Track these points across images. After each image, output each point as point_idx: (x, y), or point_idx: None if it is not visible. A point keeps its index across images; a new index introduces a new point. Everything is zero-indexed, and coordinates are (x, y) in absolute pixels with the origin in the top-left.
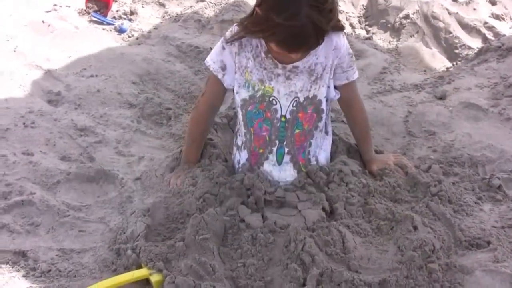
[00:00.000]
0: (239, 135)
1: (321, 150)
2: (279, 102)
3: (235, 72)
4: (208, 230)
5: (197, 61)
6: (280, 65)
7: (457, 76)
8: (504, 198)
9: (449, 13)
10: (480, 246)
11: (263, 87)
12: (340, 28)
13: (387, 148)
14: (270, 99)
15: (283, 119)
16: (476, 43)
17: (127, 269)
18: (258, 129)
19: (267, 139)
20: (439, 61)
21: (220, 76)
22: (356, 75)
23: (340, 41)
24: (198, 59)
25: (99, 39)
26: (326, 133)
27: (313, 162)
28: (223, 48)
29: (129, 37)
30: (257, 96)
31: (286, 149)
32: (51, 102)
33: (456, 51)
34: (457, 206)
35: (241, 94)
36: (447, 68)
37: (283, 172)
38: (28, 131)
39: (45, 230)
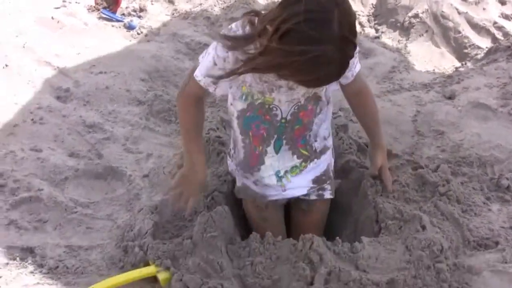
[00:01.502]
0: (234, 149)
1: (321, 127)
2: (280, 108)
3: (230, 87)
4: (216, 228)
5: None
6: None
7: (466, 75)
8: None
9: (459, 13)
10: (488, 247)
11: (263, 98)
12: None
13: (396, 147)
14: (270, 106)
15: (283, 120)
16: (485, 43)
17: (134, 266)
18: (255, 130)
19: (265, 135)
20: (448, 61)
21: (211, 89)
22: (358, 66)
23: None
24: None
25: (108, 36)
26: (327, 103)
27: (313, 143)
28: (215, 64)
29: (138, 34)
30: (256, 104)
31: (285, 141)
32: (60, 98)
33: (466, 50)
34: (466, 206)
35: (237, 106)
36: (456, 68)
37: (281, 160)
38: (37, 127)
39: (53, 227)
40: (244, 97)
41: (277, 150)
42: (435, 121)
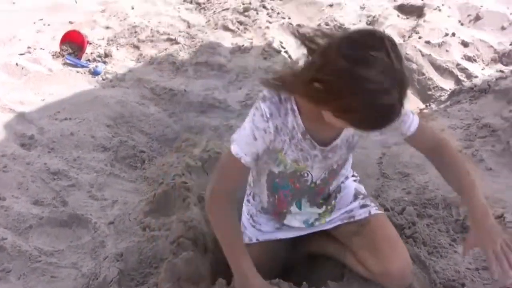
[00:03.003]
0: (256, 194)
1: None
2: (311, 174)
3: (265, 152)
4: (182, 274)
5: (172, 104)
6: (318, 147)
7: (430, 117)
8: None
9: (422, 55)
10: None
11: (296, 166)
12: None
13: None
14: (302, 173)
15: (312, 185)
16: (449, 85)
17: None
18: (282, 197)
19: (290, 199)
20: (412, 103)
21: (252, 165)
22: (413, 127)
23: None
24: (172, 101)
25: (73, 82)
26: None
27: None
28: (255, 138)
29: (103, 79)
30: (288, 172)
31: (307, 199)
32: (24, 145)
33: (429, 92)
34: (432, 248)
35: (271, 167)
36: (421, 110)
37: (305, 213)
38: (0, 175)
39: (16, 276)
40: (277, 163)
41: (299, 207)
42: (400, 163)
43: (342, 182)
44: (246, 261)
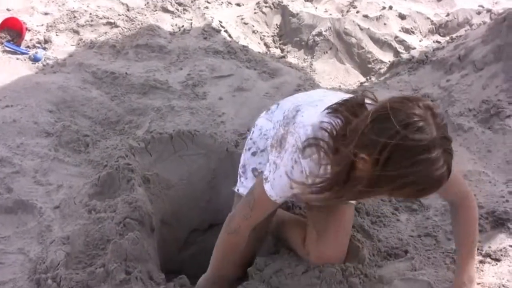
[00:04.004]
0: None
1: None
2: None
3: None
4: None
5: (113, 87)
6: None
7: (370, 90)
8: (420, 207)
9: (361, 29)
10: (398, 256)
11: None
12: None
13: None
14: None
15: None
16: (388, 57)
17: None
18: None
19: None
20: (353, 76)
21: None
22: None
23: None
24: (114, 84)
25: (13, 69)
26: None
27: None
28: (292, 187)
29: (44, 65)
30: None
31: None
32: None
33: (369, 65)
34: (375, 217)
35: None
36: (361, 83)
37: None
38: None
39: None
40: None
41: None
42: None
43: None
44: (224, 271)
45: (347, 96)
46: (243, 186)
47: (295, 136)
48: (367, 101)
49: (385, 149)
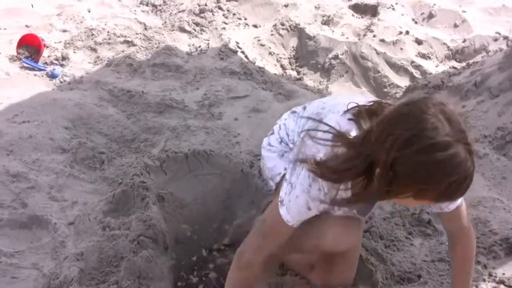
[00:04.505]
0: None
1: None
2: None
3: None
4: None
5: (130, 105)
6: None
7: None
8: (434, 232)
9: (377, 53)
10: (412, 280)
11: None
12: None
13: None
14: None
15: None
16: (404, 82)
17: None
18: None
19: None
20: None
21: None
22: (453, 206)
23: None
24: (130, 102)
25: (30, 85)
26: None
27: None
28: (309, 209)
29: (61, 82)
30: None
31: None
32: None
33: (385, 89)
34: (388, 241)
35: None
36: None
37: None
38: None
39: None
40: None
41: None
42: None
43: None
44: None
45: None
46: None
47: (313, 150)
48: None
49: (417, 168)
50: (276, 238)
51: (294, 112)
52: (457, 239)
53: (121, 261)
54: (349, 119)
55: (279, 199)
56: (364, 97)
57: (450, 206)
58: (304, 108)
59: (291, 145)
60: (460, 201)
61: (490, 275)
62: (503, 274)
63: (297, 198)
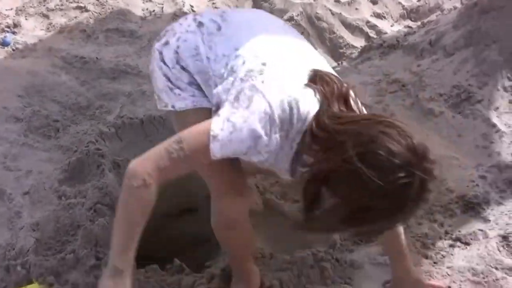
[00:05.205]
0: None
1: None
2: None
3: None
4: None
5: (83, 72)
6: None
7: (342, 75)
8: None
9: (332, 14)
10: (368, 240)
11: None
12: None
13: None
14: None
15: None
16: (359, 42)
17: (17, 285)
18: None
19: None
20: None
21: None
22: None
23: None
24: (84, 69)
25: None
26: None
27: None
28: (245, 154)
29: (13, 50)
30: None
31: None
32: None
33: (341, 50)
34: None
35: None
36: (333, 68)
37: None
38: None
39: None
40: None
41: None
42: None
43: None
44: (132, 257)
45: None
46: (182, 99)
47: (262, 104)
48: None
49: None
50: (187, 166)
51: (200, 25)
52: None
53: (78, 229)
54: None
55: (212, 134)
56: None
57: None
58: (219, 29)
59: (210, 73)
60: None
61: (446, 232)
62: (459, 231)
63: (241, 143)
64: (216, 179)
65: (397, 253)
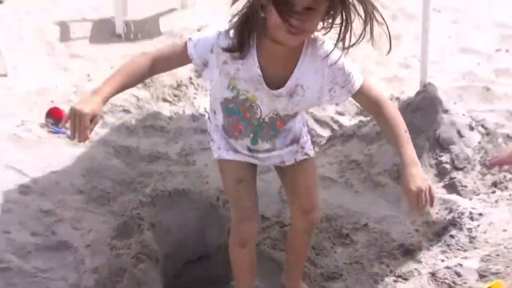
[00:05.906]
0: (216, 113)
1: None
2: (260, 108)
3: (219, 74)
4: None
5: (128, 157)
6: (266, 87)
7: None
8: (351, 242)
9: (307, 112)
10: (335, 278)
11: (248, 94)
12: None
13: (267, 212)
14: (252, 104)
15: (261, 120)
16: (326, 133)
17: None
18: (235, 123)
19: (243, 131)
20: None
21: (199, 69)
22: (358, 83)
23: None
24: (128, 155)
25: (55, 145)
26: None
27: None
28: (211, 51)
29: (78, 142)
30: (240, 98)
31: (260, 140)
32: (22, 193)
33: (313, 139)
34: (318, 250)
35: (224, 94)
36: None
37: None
38: (6, 215)
39: None
40: (231, 88)
41: (254, 144)
42: None
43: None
44: (108, 90)
45: None
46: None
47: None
48: None
49: None
50: (172, 53)
51: None
52: (378, 108)
53: (124, 273)
54: None
55: (188, 37)
56: None
57: (355, 85)
58: None
59: None
60: (361, 78)
61: (391, 271)
62: (400, 270)
63: (208, 39)
64: (233, 209)
65: (402, 140)
